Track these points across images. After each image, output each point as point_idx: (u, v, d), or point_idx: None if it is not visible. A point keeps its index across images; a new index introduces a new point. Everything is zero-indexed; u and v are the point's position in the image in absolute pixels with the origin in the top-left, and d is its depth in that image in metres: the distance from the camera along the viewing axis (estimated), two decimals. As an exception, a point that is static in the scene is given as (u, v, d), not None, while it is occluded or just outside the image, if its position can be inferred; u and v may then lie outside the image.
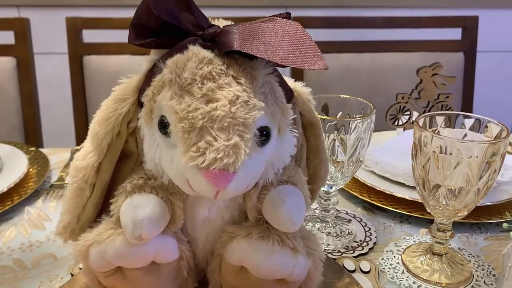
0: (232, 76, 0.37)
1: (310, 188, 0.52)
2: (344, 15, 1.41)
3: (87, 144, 0.44)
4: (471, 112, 1.38)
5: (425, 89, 0.89)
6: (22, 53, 1.22)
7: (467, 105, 1.36)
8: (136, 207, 0.41)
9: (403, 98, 0.89)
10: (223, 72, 0.37)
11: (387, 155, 0.84)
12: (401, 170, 0.80)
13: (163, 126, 0.38)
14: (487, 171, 0.54)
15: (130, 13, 0.42)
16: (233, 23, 0.41)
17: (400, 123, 0.91)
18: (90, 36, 1.27)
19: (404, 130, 0.92)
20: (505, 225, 0.59)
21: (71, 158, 0.91)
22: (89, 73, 1.25)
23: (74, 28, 1.23)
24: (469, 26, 1.32)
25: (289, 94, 0.44)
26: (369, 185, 0.79)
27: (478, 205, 0.72)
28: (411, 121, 0.91)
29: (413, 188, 0.78)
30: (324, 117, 0.59)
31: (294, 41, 0.36)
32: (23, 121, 1.24)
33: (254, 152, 0.38)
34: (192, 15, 0.39)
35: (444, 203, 0.57)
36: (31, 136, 1.23)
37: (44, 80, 1.44)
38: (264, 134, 0.39)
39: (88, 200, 0.44)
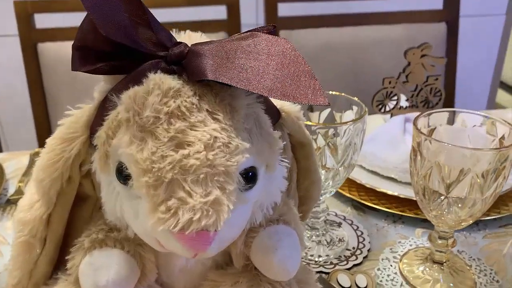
0: (207, 110, 0.29)
1: (301, 209, 0.46)
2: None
3: (32, 191, 0.36)
4: (454, 81, 1.32)
5: (413, 72, 0.82)
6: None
7: (450, 75, 1.30)
8: (98, 269, 0.33)
9: (390, 82, 0.83)
10: (195, 106, 0.29)
11: (375, 146, 0.78)
12: (391, 163, 0.75)
13: (123, 175, 0.31)
14: (496, 180, 0.49)
15: None
16: (203, 35, 0.33)
17: (387, 109, 0.85)
18: (43, 21, 1.15)
19: (391, 116, 0.86)
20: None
21: (29, 165, 0.82)
22: (45, 62, 1.14)
23: (25, 13, 1.10)
24: (451, -5, 1.25)
25: (276, 116, 0.36)
26: (358, 182, 0.74)
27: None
28: (399, 106, 0.85)
29: (405, 184, 0.72)
30: (311, 124, 0.52)
31: (284, 65, 0.28)
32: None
33: (239, 204, 0.30)
34: (151, 30, 0.30)
35: (448, 214, 0.52)
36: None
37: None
38: (249, 177, 0.31)
39: (40, 255, 0.37)
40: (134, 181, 0.29)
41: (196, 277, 0.39)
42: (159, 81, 0.29)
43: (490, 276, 0.58)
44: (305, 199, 0.45)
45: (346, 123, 0.53)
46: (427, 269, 0.58)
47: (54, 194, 0.34)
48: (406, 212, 0.68)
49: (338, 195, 0.75)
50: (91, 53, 0.31)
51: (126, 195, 0.31)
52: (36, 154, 0.76)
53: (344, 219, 0.69)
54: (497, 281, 0.58)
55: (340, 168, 0.57)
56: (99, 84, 0.34)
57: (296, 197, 0.45)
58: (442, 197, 0.51)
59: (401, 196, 0.70)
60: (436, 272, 0.57)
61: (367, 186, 0.72)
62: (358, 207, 0.73)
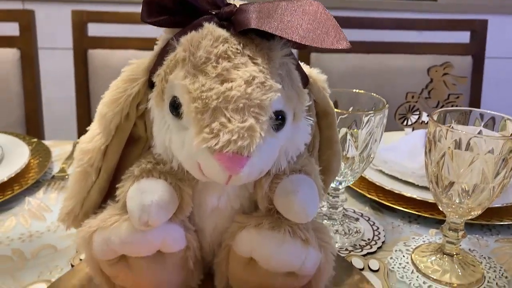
0: (248, 56, 0.36)
1: (322, 180, 0.50)
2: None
3: (94, 126, 0.42)
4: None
5: (435, 88, 0.87)
6: (26, 45, 1.21)
7: (475, 106, 1.34)
8: (144, 192, 0.39)
9: (413, 97, 0.88)
10: (239, 51, 0.36)
11: (396, 154, 0.82)
12: (409, 169, 0.79)
13: (175, 107, 0.37)
14: (503, 169, 0.53)
15: (135, 9, 0.41)
16: (249, 2, 0.39)
17: (409, 122, 0.90)
18: (95, 30, 1.26)
19: (413, 130, 0.90)
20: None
21: (73, 151, 0.90)
22: (93, 67, 1.24)
23: (80, 21, 1.21)
24: (478, 30, 1.31)
25: (305, 80, 0.42)
26: (377, 184, 0.78)
27: (490, 206, 0.71)
28: (420, 121, 0.90)
29: (422, 188, 0.76)
30: (336, 110, 0.58)
31: (315, 20, 0.35)
32: (25, 114, 1.23)
33: (269, 136, 0.36)
34: (207, -8, 0.37)
35: (457, 201, 0.56)
36: (32, 130, 1.22)
37: (47, 75, 1.42)
38: (279, 119, 0.37)
39: (94, 184, 0.43)
40: (184, 108, 0.36)
41: (225, 219, 0.44)
42: (212, 29, 0.36)
43: (499, 273, 0.61)
44: (326, 170, 0.50)
45: (368, 112, 0.58)
46: (438, 259, 0.61)
47: (114, 127, 0.41)
48: (421, 212, 0.72)
49: (357, 196, 0.79)
50: (156, 8, 0.38)
51: (175, 127, 0.38)
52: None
53: (362, 215, 0.73)
54: (506, 277, 0.60)
55: (359, 158, 0.62)
56: (161, 36, 0.40)
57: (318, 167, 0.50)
58: (453, 184, 0.54)
59: (418, 198, 0.73)
60: (446, 263, 0.60)
61: (386, 188, 0.76)
62: (376, 207, 0.77)
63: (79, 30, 1.22)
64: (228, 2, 0.39)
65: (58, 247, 0.63)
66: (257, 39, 0.37)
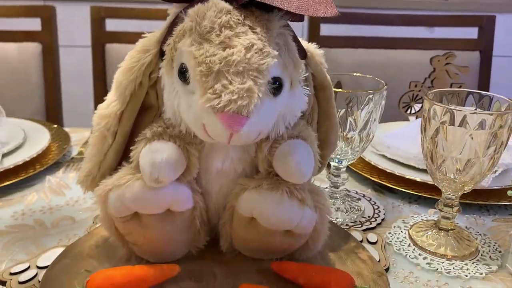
0: (249, 26, 0.40)
1: (320, 154, 0.54)
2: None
3: (111, 94, 0.47)
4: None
5: (437, 78, 0.90)
6: (47, 39, 1.27)
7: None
8: (155, 152, 0.43)
9: (416, 86, 0.91)
10: (240, 22, 0.40)
11: (399, 140, 0.86)
12: (411, 154, 0.81)
13: (183, 73, 0.41)
14: (493, 143, 0.55)
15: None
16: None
17: (413, 111, 0.93)
18: (113, 25, 1.31)
19: (416, 118, 0.93)
20: (509, 192, 0.60)
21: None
22: (110, 60, 1.29)
23: (98, 16, 1.27)
24: (486, 26, 1.33)
25: (303, 53, 0.46)
26: (380, 167, 0.81)
27: (488, 188, 0.73)
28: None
29: (424, 171, 0.79)
30: (336, 90, 0.61)
31: None
32: (45, 104, 1.28)
33: (267, 98, 0.40)
34: (213, -30, 0.42)
35: (451, 176, 0.59)
36: (52, 119, 1.27)
37: (67, 70, 1.49)
38: (277, 84, 0.41)
39: (110, 148, 0.47)
40: (191, 72, 0.40)
41: (229, 182, 0.48)
42: (216, 2, 0.40)
43: (493, 247, 0.63)
44: (324, 143, 0.54)
45: (367, 92, 0.62)
46: (434, 234, 0.64)
47: (128, 94, 0.45)
48: (422, 193, 0.75)
49: (360, 179, 0.83)
50: (169, -16, 0.42)
51: (183, 92, 0.42)
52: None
53: (364, 196, 0.77)
54: (500, 251, 0.63)
55: (359, 137, 0.65)
56: (171, 9, 0.45)
57: (317, 140, 0.53)
58: (446, 159, 0.58)
59: (418, 180, 0.76)
60: (442, 237, 0.63)
61: (388, 171, 0.79)
62: (378, 189, 0.80)
63: (97, 25, 1.27)
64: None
65: (76, 219, 0.68)
66: (257, 11, 0.41)
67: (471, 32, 1.36)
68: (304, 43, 0.47)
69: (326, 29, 1.34)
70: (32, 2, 1.47)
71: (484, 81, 1.35)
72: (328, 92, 0.50)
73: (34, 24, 1.27)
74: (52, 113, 1.28)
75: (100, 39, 1.28)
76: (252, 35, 0.39)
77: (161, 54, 0.44)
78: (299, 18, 0.42)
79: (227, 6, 0.40)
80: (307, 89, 0.46)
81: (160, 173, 0.42)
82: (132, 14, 1.29)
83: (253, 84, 0.38)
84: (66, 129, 0.99)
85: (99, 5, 1.29)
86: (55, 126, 0.97)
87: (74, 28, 1.83)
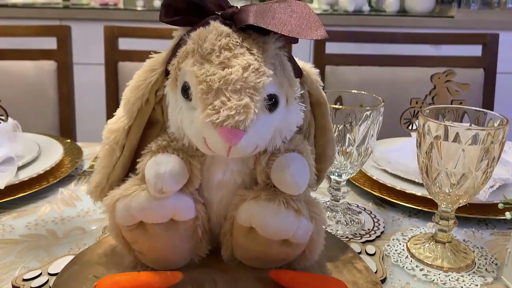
0: (246, 47, 0.43)
1: (318, 167, 0.57)
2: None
3: (120, 110, 0.50)
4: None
5: (438, 94, 0.92)
6: (63, 57, 1.32)
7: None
8: (159, 164, 0.46)
9: (417, 102, 0.93)
10: (238, 44, 0.43)
11: (400, 155, 0.88)
12: (411, 168, 0.83)
13: (185, 91, 0.44)
14: (486, 158, 0.58)
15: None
16: (249, 4, 0.47)
17: (414, 127, 0.95)
18: (125, 44, 1.36)
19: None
20: (500, 205, 0.62)
21: (102, 150, 0.98)
22: (122, 78, 1.34)
23: (111, 35, 1.32)
24: (490, 43, 1.35)
25: (298, 72, 0.49)
26: (381, 182, 0.83)
27: (486, 202, 0.75)
28: (425, 125, 0.95)
29: (423, 185, 0.81)
30: (335, 107, 0.64)
31: (301, 18, 0.42)
32: (60, 119, 1.33)
33: (263, 114, 0.43)
34: (214, -4, 0.45)
35: (446, 189, 0.61)
36: (66, 134, 1.32)
37: (81, 87, 1.54)
38: (273, 101, 0.44)
39: (118, 160, 0.50)
40: (193, 90, 0.43)
41: (229, 193, 0.51)
42: (217, 26, 0.43)
43: (490, 260, 0.65)
44: (322, 156, 0.56)
45: (365, 108, 0.64)
46: (431, 246, 0.66)
47: (136, 110, 0.49)
48: (421, 207, 0.76)
49: (361, 192, 0.85)
50: (172, 10, 0.46)
51: (186, 108, 0.45)
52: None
53: (364, 209, 0.79)
54: (496, 264, 0.64)
55: (357, 152, 0.67)
56: (174, 32, 0.48)
57: (313, 154, 0.56)
58: (440, 172, 0.60)
59: (418, 194, 0.78)
60: (438, 249, 0.65)
61: (388, 185, 0.82)
62: (379, 203, 0.82)
63: (110, 44, 1.32)
64: (231, 5, 0.46)
65: (87, 229, 0.71)
66: (254, 34, 0.45)
67: (476, 50, 1.38)
68: (300, 63, 0.50)
69: (331, 47, 1.37)
70: (48, 22, 1.53)
71: (488, 98, 1.36)
72: (324, 108, 0.53)
73: (50, 43, 1.32)
74: (66, 128, 1.32)
75: (113, 58, 1.33)
76: (249, 56, 0.42)
77: (166, 73, 0.48)
78: (293, 40, 0.45)
79: (227, 29, 0.44)
80: (303, 105, 0.49)
81: (164, 183, 0.45)
82: (144, 34, 1.34)
83: (250, 100, 0.41)
84: (79, 143, 1.03)
85: (112, 25, 1.34)
86: (68, 140, 1.01)
87: (88, 46, 1.90)
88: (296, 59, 0.49)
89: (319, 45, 1.35)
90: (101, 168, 0.51)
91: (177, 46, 0.46)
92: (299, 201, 0.48)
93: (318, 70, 0.51)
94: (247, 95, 0.41)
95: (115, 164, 0.50)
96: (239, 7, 0.45)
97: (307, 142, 0.52)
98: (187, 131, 0.46)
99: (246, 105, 0.41)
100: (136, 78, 0.49)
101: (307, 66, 0.51)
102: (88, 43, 1.91)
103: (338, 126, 0.65)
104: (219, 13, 0.46)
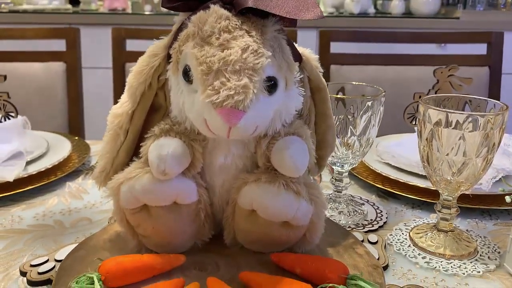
0: (245, 30, 0.44)
1: (319, 154, 0.57)
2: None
3: (124, 95, 0.52)
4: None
5: (441, 89, 0.93)
6: (72, 59, 1.34)
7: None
8: (162, 146, 0.48)
9: (420, 97, 0.93)
10: (237, 26, 0.44)
11: (402, 148, 0.88)
12: (414, 161, 0.84)
13: (186, 73, 0.45)
14: (485, 144, 0.58)
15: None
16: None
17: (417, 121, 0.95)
18: (133, 45, 1.38)
19: (421, 128, 0.96)
20: (507, 198, 0.62)
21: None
22: (130, 78, 1.36)
23: (119, 37, 1.34)
24: (494, 41, 1.35)
25: (298, 57, 0.50)
26: (384, 174, 0.83)
27: (490, 193, 0.75)
28: (429, 120, 0.95)
29: (425, 177, 0.81)
30: (337, 96, 0.65)
31: (298, 0, 0.43)
32: (68, 120, 1.35)
33: (262, 95, 0.44)
34: (214, -18, 0.47)
35: (447, 177, 0.61)
36: (75, 133, 1.34)
37: (89, 89, 1.56)
38: (271, 83, 0.45)
39: (122, 145, 0.51)
40: (193, 71, 0.44)
41: (231, 177, 0.52)
42: (217, 9, 0.45)
43: (492, 248, 0.65)
44: (322, 143, 0.57)
45: (366, 98, 0.65)
46: (433, 235, 0.66)
47: (139, 95, 0.50)
48: (424, 198, 0.77)
49: (365, 185, 0.85)
50: (174, -5, 0.47)
51: (187, 91, 0.46)
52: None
53: (368, 201, 0.79)
54: (498, 252, 0.64)
55: (358, 142, 0.68)
56: (177, 18, 0.50)
57: (314, 140, 0.57)
58: (441, 159, 0.60)
59: (421, 186, 0.79)
60: (441, 238, 0.65)
61: (391, 177, 0.82)
62: (382, 195, 0.82)
63: (118, 45, 1.35)
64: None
65: (93, 220, 0.72)
66: (253, 17, 0.46)
67: (481, 48, 1.39)
68: (300, 48, 0.51)
69: (336, 47, 1.38)
70: (58, 25, 1.56)
71: (494, 96, 1.36)
72: (324, 94, 0.54)
73: (59, 45, 1.35)
74: (74, 127, 1.35)
75: (121, 58, 1.35)
76: (248, 38, 0.43)
77: (168, 58, 0.49)
78: (291, 23, 0.47)
79: (226, 13, 0.45)
80: (302, 90, 0.50)
81: (166, 165, 0.46)
82: (151, 35, 1.35)
83: (249, 81, 0.42)
84: (87, 141, 1.04)
85: (120, 27, 1.36)
86: (76, 138, 1.03)
87: (97, 50, 1.93)
88: (296, 45, 0.50)
89: (324, 45, 1.37)
90: (106, 153, 0.52)
91: (179, 30, 0.47)
92: (298, 184, 0.49)
93: (317, 56, 0.52)
94: (246, 75, 0.42)
95: (119, 149, 0.52)
96: (238, -7, 0.47)
97: (306, 127, 0.53)
98: (188, 114, 0.47)
99: (245, 85, 0.42)
100: (139, 63, 0.50)
101: (307, 52, 0.52)
102: (97, 47, 1.94)
103: (340, 116, 0.66)
104: (220, -3, 0.47)
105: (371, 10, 2.37)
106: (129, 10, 2.39)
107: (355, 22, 2.18)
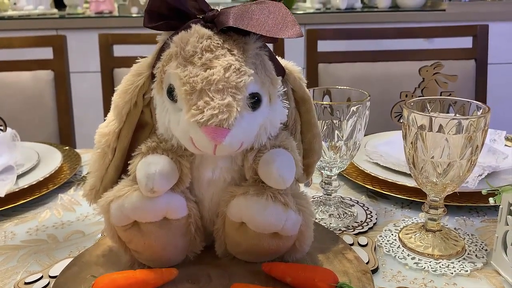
0: (227, 49, 0.45)
1: (307, 162, 0.58)
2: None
3: (110, 114, 0.52)
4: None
5: (427, 87, 0.93)
6: (59, 66, 1.34)
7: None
8: (149, 164, 0.48)
9: (406, 96, 0.94)
10: (219, 45, 0.45)
11: (390, 148, 0.89)
12: (402, 161, 0.85)
13: (171, 93, 0.46)
14: (469, 146, 0.59)
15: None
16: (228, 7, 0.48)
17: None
18: (120, 51, 1.38)
19: (409, 127, 0.97)
20: (484, 191, 0.64)
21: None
22: (119, 84, 1.35)
23: (106, 43, 1.34)
24: (480, 34, 1.37)
25: (281, 71, 0.51)
26: (373, 175, 0.84)
27: (476, 190, 0.76)
28: (416, 118, 0.96)
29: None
30: (322, 103, 0.66)
31: (278, 18, 0.44)
32: (59, 128, 1.35)
33: (246, 111, 0.45)
34: (195, 1, 0.47)
35: (433, 179, 0.62)
36: (65, 142, 1.34)
37: (78, 96, 1.56)
38: (255, 99, 0.46)
39: (110, 162, 0.52)
40: (177, 91, 0.45)
41: (220, 190, 0.53)
42: (198, 29, 0.45)
43: (480, 246, 0.66)
44: (309, 151, 0.58)
45: (352, 103, 0.66)
46: (421, 235, 0.67)
47: (125, 114, 0.50)
48: (413, 197, 0.78)
49: (354, 186, 0.86)
50: (155, 15, 0.47)
51: (172, 109, 0.47)
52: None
53: (357, 202, 0.80)
54: (486, 250, 0.65)
55: (345, 146, 0.69)
56: (158, 37, 0.50)
57: (301, 149, 0.57)
58: (426, 162, 0.61)
59: (409, 185, 0.80)
60: (429, 238, 0.66)
61: (380, 177, 0.83)
62: (372, 196, 0.83)
63: (105, 51, 1.34)
64: (212, 8, 0.48)
65: (86, 233, 0.73)
66: (235, 35, 0.46)
67: (466, 42, 1.40)
68: (283, 61, 0.52)
69: (323, 45, 1.39)
70: (45, 33, 1.55)
71: (480, 88, 1.38)
72: (308, 104, 0.55)
73: (46, 53, 1.34)
74: (65, 135, 1.35)
75: (109, 64, 1.35)
76: (230, 56, 0.44)
77: (153, 76, 0.49)
78: (273, 40, 0.47)
79: (208, 32, 0.45)
80: (286, 103, 0.51)
81: (155, 183, 0.47)
82: (138, 40, 1.36)
83: (232, 99, 0.43)
84: (77, 150, 1.05)
85: (106, 33, 1.36)
86: (67, 147, 1.03)
87: (85, 55, 1.92)
88: (279, 58, 0.51)
89: (311, 44, 1.37)
90: (95, 171, 0.53)
91: (161, 50, 0.48)
92: (286, 195, 0.50)
93: (300, 68, 0.53)
94: (229, 94, 0.43)
95: (107, 167, 0.52)
96: (219, 10, 0.47)
97: (292, 138, 0.54)
98: (174, 132, 0.48)
99: (229, 104, 0.42)
100: (124, 83, 0.51)
101: (290, 65, 0.52)
102: (85, 51, 1.94)
103: (326, 121, 0.67)
104: (201, 17, 0.47)
105: (358, 4, 2.38)
106: (116, 13, 2.38)
107: (342, 17, 2.18)
